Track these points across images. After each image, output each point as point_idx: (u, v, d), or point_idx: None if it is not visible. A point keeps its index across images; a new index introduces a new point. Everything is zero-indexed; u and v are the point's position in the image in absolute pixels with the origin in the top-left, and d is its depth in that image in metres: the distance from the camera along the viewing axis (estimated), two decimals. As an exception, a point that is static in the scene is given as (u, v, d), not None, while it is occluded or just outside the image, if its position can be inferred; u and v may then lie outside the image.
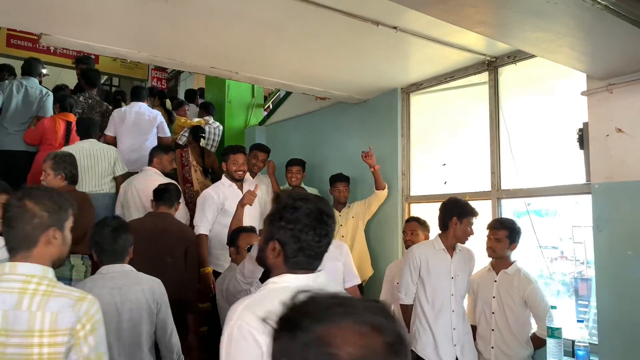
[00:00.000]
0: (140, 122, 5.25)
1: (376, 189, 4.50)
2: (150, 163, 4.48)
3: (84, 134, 4.51)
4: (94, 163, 4.32)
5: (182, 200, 4.04)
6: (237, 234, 3.22)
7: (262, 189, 4.73)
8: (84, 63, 6.11)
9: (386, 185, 4.51)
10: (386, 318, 0.77)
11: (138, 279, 2.53)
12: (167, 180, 4.19)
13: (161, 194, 3.72)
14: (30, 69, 5.33)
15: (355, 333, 0.73)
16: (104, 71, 8.45)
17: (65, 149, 4.26)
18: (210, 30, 3.38)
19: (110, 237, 2.46)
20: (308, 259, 1.52)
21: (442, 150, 4.43)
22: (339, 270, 3.23)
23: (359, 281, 3.38)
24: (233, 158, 4.13)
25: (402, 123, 4.69)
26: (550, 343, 2.90)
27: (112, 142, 5.07)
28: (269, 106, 6.82)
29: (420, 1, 2.23)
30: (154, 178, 4.20)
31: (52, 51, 7.18)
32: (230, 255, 3.27)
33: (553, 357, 2.80)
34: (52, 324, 1.58)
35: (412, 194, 4.60)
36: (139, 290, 2.48)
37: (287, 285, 1.46)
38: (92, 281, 2.49)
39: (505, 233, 3.28)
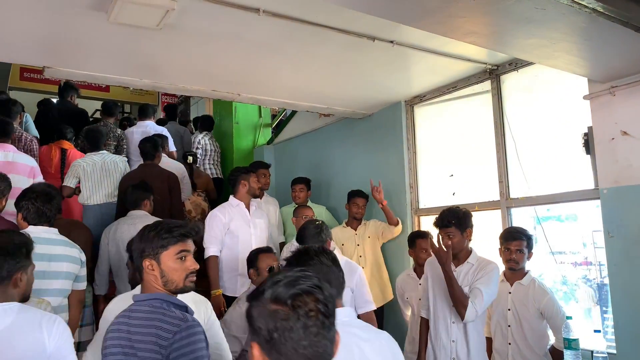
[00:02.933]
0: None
1: (389, 224, 4.44)
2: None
3: (93, 146, 4.70)
4: (106, 175, 4.54)
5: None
6: (255, 255, 3.17)
7: (269, 211, 4.71)
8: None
9: (399, 221, 4.42)
10: None
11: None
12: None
13: (143, 151, 4.66)
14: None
15: None
16: (115, 99, 8.61)
17: (77, 161, 4.56)
18: (208, 54, 3.42)
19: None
20: None
21: (449, 161, 4.39)
22: (346, 296, 2.96)
23: (373, 307, 3.17)
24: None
25: (408, 135, 4.66)
26: (568, 355, 2.80)
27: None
28: (276, 125, 6.85)
29: (408, 16, 2.23)
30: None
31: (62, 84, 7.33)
32: (250, 277, 3.23)
33: None
34: None
35: (421, 206, 4.55)
36: None
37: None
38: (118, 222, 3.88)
39: (524, 243, 3.19)
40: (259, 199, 4.58)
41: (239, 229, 4.00)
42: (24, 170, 4.12)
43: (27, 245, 2.00)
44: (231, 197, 4.19)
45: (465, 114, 4.29)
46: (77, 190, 4.55)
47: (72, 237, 3.06)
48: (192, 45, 3.25)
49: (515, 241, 3.15)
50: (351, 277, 3.03)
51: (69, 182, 4.49)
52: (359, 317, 2.95)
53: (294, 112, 6.15)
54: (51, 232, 2.90)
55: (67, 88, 6.09)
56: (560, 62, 2.71)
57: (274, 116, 7.10)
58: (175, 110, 7.36)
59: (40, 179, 4.16)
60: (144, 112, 5.82)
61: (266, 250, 3.23)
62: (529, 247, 3.20)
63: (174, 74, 3.80)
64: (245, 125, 6.64)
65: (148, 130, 5.55)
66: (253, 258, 3.15)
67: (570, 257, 4.26)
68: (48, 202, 2.91)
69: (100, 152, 4.69)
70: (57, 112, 5.81)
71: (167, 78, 3.87)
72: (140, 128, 5.63)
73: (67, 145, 5.05)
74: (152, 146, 4.68)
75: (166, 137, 5.55)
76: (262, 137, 6.72)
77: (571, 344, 2.76)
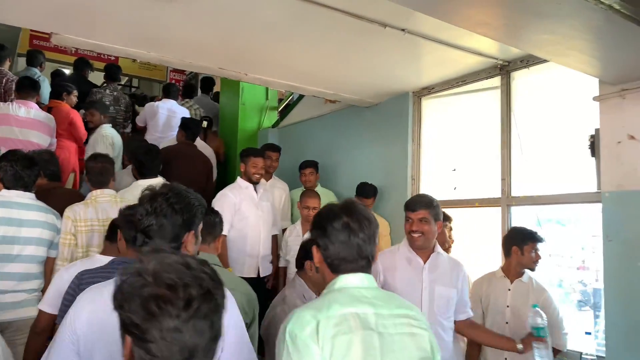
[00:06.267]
0: (171, 120, 5.77)
1: None
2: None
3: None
4: None
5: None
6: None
7: (274, 195, 4.70)
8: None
9: None
10: None
11: None
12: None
13: (186, 128, 4.85)
14: (32, 60, 5.98)
15: None
16: (124, 72, 8.60)
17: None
18: (218, 30, 3.38)
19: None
20: None
21: (452, 155, 4.36)
22: (451, 300, 2.58)
23: (471, 314, 2.73)
24: (254, 161, 4.12)
25: (413, 127, 4.63)
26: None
27: (141, 130, 6.02)
28: (282, 109, 6.81)
29: (421, 2, 2.19)
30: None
31: (72, 52, 7.31)
32: (305, 270, 2.77)
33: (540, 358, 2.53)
34: None
35: (421, 199, 4.52)
36: None
37: None
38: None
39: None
40: (265, 182, 4.57)
41: (248, 210, 4.02)
42: (45, 128, 4.42)
43: None
44: (239, 178, 4.20)
45: (472, 109, 4.25)
46: None
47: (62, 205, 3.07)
48: (202, 20, 3.22)
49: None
50: (457, 275, 2.62)
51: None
52: (456, 323, 2.63)
53: (300, 97, 6.11)
54: (25, 197, 2.89)
55: (82, 63, 6.54)
56: (573, 61, 2.67)
57: (280, 100, 7.07)
58: (212, 85, 7.36)
59: (54, 141, 4.60)
60: (169, 92, 6.17)
61: None
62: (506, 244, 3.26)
63: (183, 48, 3.76)
64: (252, 106, 6.60)
65: (174, 109, 5.87)
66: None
67: (568, 261, 4.26)
68: (28, 168, 2.90)
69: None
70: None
71: (175, 52, 3.83)
72: (166, 105, 5.90)
73: (53, 103, 5.27)
74: (199, 129, 5.05)
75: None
76: (267, 120, 6.68)
77: (539, 332, 2.57)
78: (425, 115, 4.63)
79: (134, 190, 3.43)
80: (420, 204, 2.57)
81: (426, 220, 2.53)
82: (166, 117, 5.79)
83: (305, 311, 1.36)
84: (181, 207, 1.60)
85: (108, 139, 5.02)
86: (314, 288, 2.70)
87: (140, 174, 3.82)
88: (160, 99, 6.24)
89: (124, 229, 2.19)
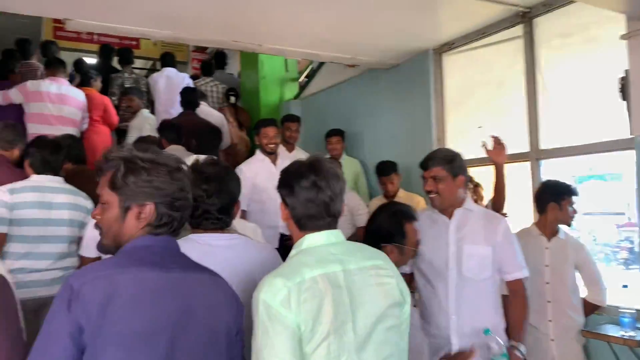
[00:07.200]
0: (170, 86, 5.77)
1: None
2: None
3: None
4: None
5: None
6: (400, 218, 2.10)
7: None
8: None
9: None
10: None
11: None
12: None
13: (187, 100, 4.89)
14: (45, 51, 6.05)
15: None
16: (146, 56, 8.67)
17: None
18: (229, 2, 3.33)
19: None
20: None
21: (478, 112, 4.22)
22: (485, 259, 2.32)
23: (526, 274, 2.40)
24: (264, 132, 4.10)
25: (435, 86, 4.49)
26: None
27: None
28: (303, 79, 6.74)
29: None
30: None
31: (94, 39, 7.40)
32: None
33: None
34: None
35: (448, 159, 4.42)
36: None
37: None
38: None
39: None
40: (288, 153, 4.55)
41: (264, 183, 4.04)
42: (76, 103, 4.66)
43: None
44: (257, 151, 4.20)
45: (496, 62, 4.08)
46: None
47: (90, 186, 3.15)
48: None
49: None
50: (494, 230, 2.35)
51: None
52: (507, 285, 2.39)
53: (320, 66, 6.02)
54: (55, 181, 3.02)
55: (108, 49, 6.60)
56: (596, -2, 2.51)
57: (301, 72, 6.98)
58: (224, 59, 7.33)
59: (85, 115, 4.81)
60: (165, 60, 6.18)
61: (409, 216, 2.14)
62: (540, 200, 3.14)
63: (195, 24, 3.73)
64: (272, 79, 6.55)
65: (171, 75, 5.85)
66: (396, 225, 2.08)
67: (614, 219, 4.10)
68: (55, 153, 3.04)
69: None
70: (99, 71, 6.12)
71: (188, 29, 3.82)
72: (164, 73, 5.92)
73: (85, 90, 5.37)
74: (196, 96, 5.06)
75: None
76: (289, 92, 6.63)
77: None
78: (447, 73, 4.48)
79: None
80: (433, 160, 2.37)
81: (440, 178, 2.31)
82: (165, 84, 5.79)
83: (276, 279, 1.36)
84: (235, 184, 1.86)
85: (152, 121, 5.26)
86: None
87: (196, 152, 3.85)
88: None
89: None
